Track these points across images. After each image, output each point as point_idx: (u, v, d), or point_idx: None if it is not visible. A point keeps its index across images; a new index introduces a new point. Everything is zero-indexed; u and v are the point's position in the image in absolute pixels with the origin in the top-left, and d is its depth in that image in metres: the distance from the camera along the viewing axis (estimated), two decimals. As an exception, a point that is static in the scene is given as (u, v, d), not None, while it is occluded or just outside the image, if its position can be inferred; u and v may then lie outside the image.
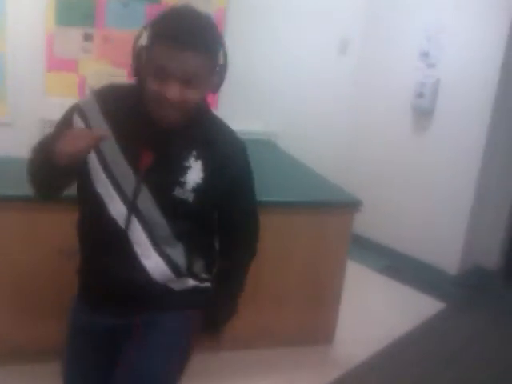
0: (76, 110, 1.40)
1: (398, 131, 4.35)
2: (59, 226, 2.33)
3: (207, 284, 1.54)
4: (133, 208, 1.35)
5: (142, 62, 1.31)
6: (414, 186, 4.26)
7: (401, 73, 4.26)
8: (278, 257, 2.78)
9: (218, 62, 1.33)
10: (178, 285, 1.46)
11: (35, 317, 2.48)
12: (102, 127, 1.36)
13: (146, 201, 1.35)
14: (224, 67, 1.36)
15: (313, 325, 2.98)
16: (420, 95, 4.11)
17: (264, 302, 2.82)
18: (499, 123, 3.90)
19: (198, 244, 1.47)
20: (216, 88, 1.38)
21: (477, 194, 3.98)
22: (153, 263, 1.39)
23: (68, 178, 1.39)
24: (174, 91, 1.24)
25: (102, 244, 1.40)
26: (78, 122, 1.38)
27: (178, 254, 1.42)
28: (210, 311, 1.59)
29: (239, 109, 3.85)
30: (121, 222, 1.36)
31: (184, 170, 1.35)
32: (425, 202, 4.21)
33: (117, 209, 1.36)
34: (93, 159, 1.35)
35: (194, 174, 1.36)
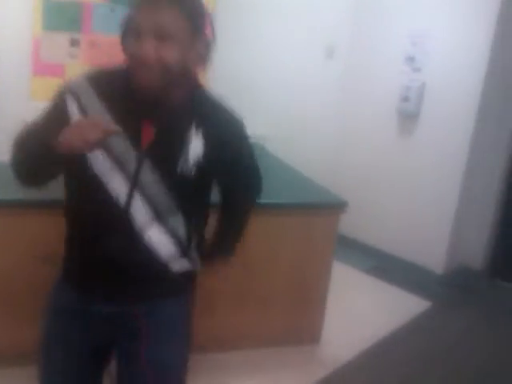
0: (67, 90, 1.37)
1: (383, 135, 4.40)
2: (35, 231, 2.36)
3: (197, 267, 1.55)
4: (134, 184, 1.35)
5: (124, 38, 1.32)
6: (400, 188, 4.31)
7: (387, 77, 4.31)
8: (265, 258, 2.81)
9: (200, 28, 1.34)
10: (176, 265, 1.45)
11: (12, 321, 2.47)
12: (95, 106, 1.34)
13: (149, 176, 1.35)
14: (211, 40, 1.37)
15: (299, 325, 3.00)
16: (405, 99, 4.17)
17: (250, 302, 2.84)
18: (484, 126, 3.96)
19: (194, 218, 1.48)
20: (202, 59, 1.37)
21: (462, 195, 4.04)
22: (156, 238, 1.39)
23: (62, 167, 1.37)
24: (148, 47, 1.25)
25: (101, 223, 1.37)
26: (71, 103, 1.36)
27: (179, 227, 1.42)
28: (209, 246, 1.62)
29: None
30: (121, 199, 1.35)
31: (185, 143, 1.36)
32: (411, 203, 4.25)
33: (117, 186, 1.34)
34: None
35: (196, 146, 1.37)
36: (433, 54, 4.04)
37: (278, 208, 2.79)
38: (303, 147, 4.51)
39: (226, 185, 1.57)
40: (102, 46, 3.60)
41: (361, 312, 3.52)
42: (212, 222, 1.64)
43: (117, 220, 1.36)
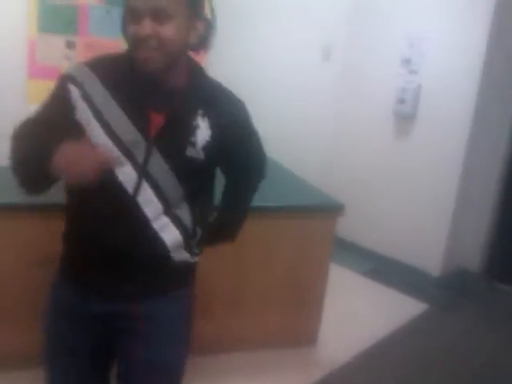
0: (68, 79, 1.34)
1: (380, 136, 4.40)
2: (28, 234, 2.34)
3: (196, 259, 1.54)
4: (143, 172, 1.33)
5: (124, 25, 1.32)
6: (396, 190, 4.31)
7: (383, 79, 4.32)
8: (262, 260, 2.80)
9: (199, 8, 1.34)
10: (179, 255, 1.44)
11: (7, 325, 2.47)
12: (100, 93, 1.32)
13: (158, 164, 1.33)
14: (211, 20, 1.37)
15: (296, 327, 3.00)
16: (402, 101, 4.17)
17: (247, 304, 2.84)
18: (480, 128, 3.96)
19: (200, 208, 1.47)
20: (203, 40, 1.37)
21: (459, 197, 4.04)
22: (163, 227, 1.38)
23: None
24: (145, 27, 1.25)
25: (109, 214, 1.34)
26: (74, 91, 1.33)
27: (186, 216, 1.42)
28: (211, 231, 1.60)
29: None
30: (130, 188, 1.33)
31: (193, 129, 1.35)
32: (408, 205, 4.25)
33: (126, 175, 1.32)
34: (97, 129, 1.31)
35: (203, 132, 1.36)
36: (429, 56, 4.05)
37: (275, 211, 2.79)
38: (300, 149, 4.51)
39: (230, 167, 1.56)
40: (98, 48, 3.59)
41: (358, 314, 3.52)
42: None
43: (125, 209, 1.34)
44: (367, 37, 4.43)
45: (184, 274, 1.51)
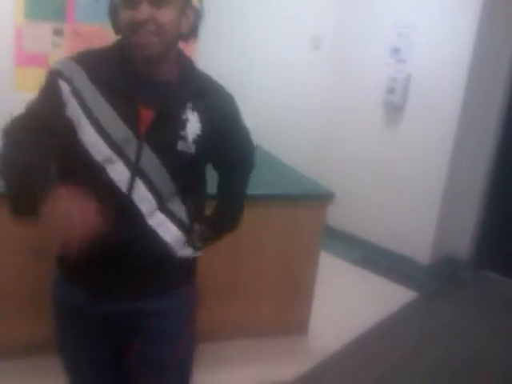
0: (57, 74, 1.32)
1: (370, 126, 4.40)
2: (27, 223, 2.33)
3: (198, 253, 1.53)
4: (136, 169, 1.31)
5: (116, 12, 1.30)
6: (386, 179, 4.32)
7: (372, 68, 4.31)
8: (252, 249, 2.80)
9: None
10: (180, 251, 1.43)
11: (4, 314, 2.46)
12: (88, 88, 1.30)
13: (150, 160, 1.32)
14: (199, 9, 1.37)
15: (287, 316, 3.01)
16: (391, 91, 4.17)
17: (238, 294, 2.84)
18: (469, 118, 3.97)
19: (194, 202, 1.46)
20: (193, 28, 1.37)
21: (447, 186, 4.06)
22: (160, 223, 1.36)
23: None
24: (143, 11, 1.24)
25: (104, 214, 1.27)
26: (64, 87, 1.30)
27: (181, 211, 1.41)
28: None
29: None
30: (123, 185, 1.31)
31: (183, 123, 1.34)
32: (397, 194, 4.27)
33: (118, 173, 1.31)
34: (87, 127, 1.29)
35: (193, 125, 1.35)
36: (418, 45, 4.04)
37: (265, 199, 2.79)
38: (290, 138, 4.51)
39: (221, 161, 1.56)
40: (86, 35, 3.55)
41: (348, 302, 3.54)
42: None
43: (120, 208, 1.32)
44: (357, 26, 4.42)
45: (188, 270, 1.51)
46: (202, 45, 3.97)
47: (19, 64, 3.40)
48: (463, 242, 4.30)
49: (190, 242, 1.45)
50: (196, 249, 1.49)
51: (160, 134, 1.32)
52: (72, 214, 1.14)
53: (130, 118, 1.31)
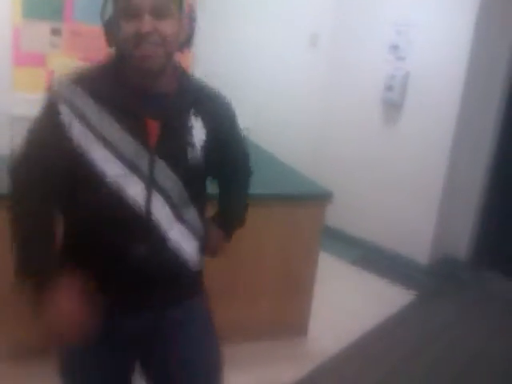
0: (56, 98, 1.30)
1: (368, 124, 4.39)
2: None
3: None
4: (151, 182, 1.32)
5: (113, 25, 1.30)
6: (385, 178, 4.31)
7: (371, 66, 4.30)
8: (251, 249, 2.79)
9: (184, 4, 1.34)
10: (197, 260, 1.46)
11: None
12: (92, 108, 1.28)
13: (163, 171, 1.33)
14: (193, 17, 1.39)
15: (286, 318, 3.00)
16: (390, 88, 4.16)
17: (238, 295, 2.83)
18: (467, 116, 3.97)
19: (202, 207, 1.49)
20: (188, 38, 1.38)
21: (446, 185, 4.05)
22: (180, 235, 1.38)
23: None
24: (147, 23, 1.24)
25: (124, 233, 1.32)
26: (65, 111, 1.28)
27: (195, 220, 1.44)
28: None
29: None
30: (140, 199, 1.31)
31: (189, 130, 1.36)
32: (396, 193, 4.26)
33: (134, 188, 1.31)
34: (98, 147, 1.28)
35: (198, 131, 1.38)
36: (416, 43, 4.04)
37: (263, 199, 2.77)
38: (287, 137, 4.51)
39: (222, 166, 1.56)
40: (84, 35, 3.54)
41: (347, 303, 3.53)
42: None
43: (140, 225, 1.32)
44: (355, 23, 4.41)
45: (201, 276, 1.55)
46: (198, 46, 3.96)
47: (17, 64, 3.39)
48: (462, 241, 4.29)
49: (204, 249, 1.49)
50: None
51: (170, 145, 1.34)
52: (71, 316, 1.25)
53: (139, 132, 1.31)
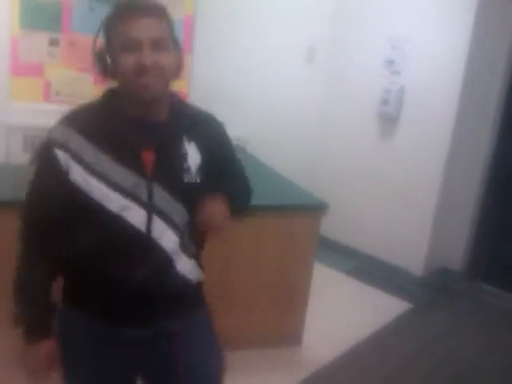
0: (51, 144, 1.33)
1: (364, 138, 4.42)
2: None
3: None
4: (151, 207, 1.36)
5: (107, 57, 1.33)
6: (380, 191, 4.33)
7: (367, 80, 4.33)
8: (247, 259, 2.80)
9: (175, 35, 1.38)
10: (196, 276, 1.50)
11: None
12: (87, 148, 1.32)
13: (161, 196, 1.37)
14: (180, 52, 1.41)
15: (281, 326, 3.00)
16: (385, 102, 4.19)
17: (233, 304, 2.83)
18: (463, 130, 3.99)
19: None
20: (180, 66, 1.40)
21: (441, 197, 4.07)
22: (182, 256, 1.43)
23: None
24: (148, 56, 1.28)
25: (129, 260, 1.36)
26: (61, 155, 1.32)
27: (192, 239, 1.47)
28: None
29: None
30: (142, 226, 1.36)
31: (184, 156, 1.40)
32: (391, 205, 4.28)
33: (135, 216, 1.35)
34: (97, 185, 1.32)
35: (193, 156, 1.41)
36: (412, 58, 4.08)
37: (259, 210, 2.78)
38: (284, 150, 4.53)
39: (221, 187, 1.55)
40: (81, 45, 3.56)
41: (342, 313, 3.54)
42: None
43: (141, 249, 1.36)
44: (351, 38, 4.45)
45: (201, 289, 1.58)
46: (195, 59, 3.99)
47: (15, 74, 3.40)
48: (457, 253, 4.31)
49: (200, 264, 1.53)
50: (202, 269, 1.55)
51: (165, 172, 1.38)
52: (44, 366, 1.45)
53: (135, 164, 1.35)
